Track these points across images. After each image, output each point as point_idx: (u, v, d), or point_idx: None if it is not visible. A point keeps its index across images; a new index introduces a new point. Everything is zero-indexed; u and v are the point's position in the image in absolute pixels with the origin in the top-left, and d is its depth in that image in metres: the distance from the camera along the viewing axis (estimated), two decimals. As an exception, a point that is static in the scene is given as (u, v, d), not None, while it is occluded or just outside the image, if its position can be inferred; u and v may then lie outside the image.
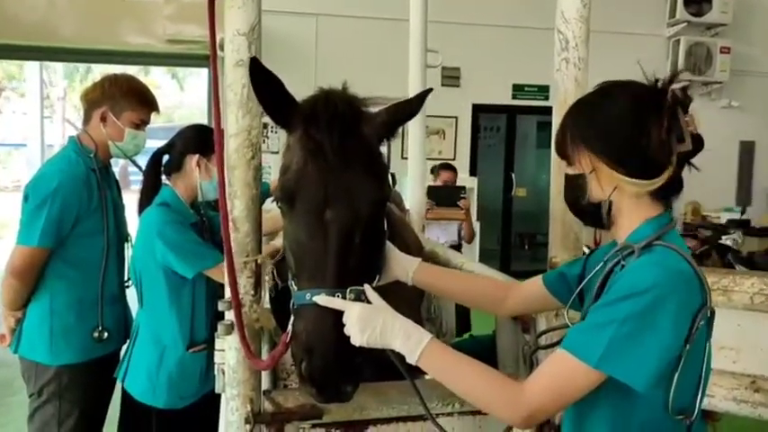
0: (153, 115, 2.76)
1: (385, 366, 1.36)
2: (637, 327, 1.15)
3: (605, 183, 1.30)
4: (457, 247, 5.49)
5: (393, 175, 1.55)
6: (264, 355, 1.67)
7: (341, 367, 1.32)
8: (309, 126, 1.42)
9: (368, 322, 1.30)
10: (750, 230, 7.83)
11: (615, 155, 1.28)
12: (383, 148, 1.56)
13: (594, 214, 1.35)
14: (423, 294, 2.39)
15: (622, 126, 1.28)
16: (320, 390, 1.34)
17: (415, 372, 1.36)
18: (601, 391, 1.21)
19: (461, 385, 1.30)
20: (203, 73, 10.07)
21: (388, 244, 1.63)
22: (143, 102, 2.68)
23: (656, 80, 1.30)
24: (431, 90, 1.67)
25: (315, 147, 1.40)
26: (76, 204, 2.48)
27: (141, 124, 2.67)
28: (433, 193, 5.42)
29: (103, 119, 2.60)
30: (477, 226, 5.88)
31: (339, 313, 1.33)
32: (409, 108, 1.57)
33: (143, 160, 2.83)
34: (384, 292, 1.41)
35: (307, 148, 1.42)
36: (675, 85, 1.28)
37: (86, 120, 2.67)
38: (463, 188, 5.73)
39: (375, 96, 1.52)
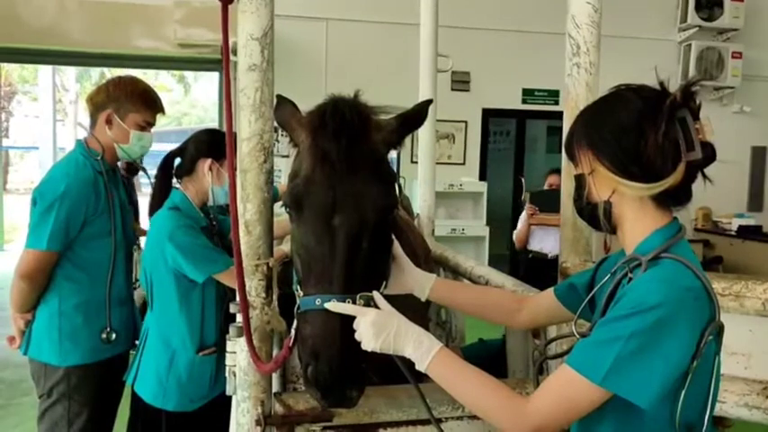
0: (162, 118, 2.77)
1: (395, 370, 1.36)
2: (642, 344, 1.14)
3: (602, 184, 1.30)
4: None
5: (399, 185, 1.56)
6: (275, 359, 1.67)
7: (347, 372, 1.33)
8: (317, 133, 1.44)
9: (382, 328, 1.31)
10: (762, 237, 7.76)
11: (611, 156, 1.27)
12: (393, 154, 1.57)
13: (592, 214, 1.35)
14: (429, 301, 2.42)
15: (621, 129, 1.26)
16: (326, 394, 1.35)
17: (424, 376, 1.37)
18: (607, 405, 1.21)
19: (467, 396, 1.30)
20: (213, 77, 10.12)
21: (403, 257, 1.64)
22: (147, 103, 2.67)
23: (660, 83, 1.28)
24: (431, 101, 1.69)
25: (322, 154, 1.41)
26: (84, 207, 2.48)
27: (146, 126, 2.67)
28: (535, 198, 5.29)
29: (108, 121, 2.60)
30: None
31: (345, 318, 1.33)
32: (416, 119, 1.60)
33: (151, 164, 2.84)
34: (389, 298, 1.42)
35: (315, 155, 1.43)
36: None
37: (92, 123, 2.67)
38: None
39: (385, 105, 1.53)
